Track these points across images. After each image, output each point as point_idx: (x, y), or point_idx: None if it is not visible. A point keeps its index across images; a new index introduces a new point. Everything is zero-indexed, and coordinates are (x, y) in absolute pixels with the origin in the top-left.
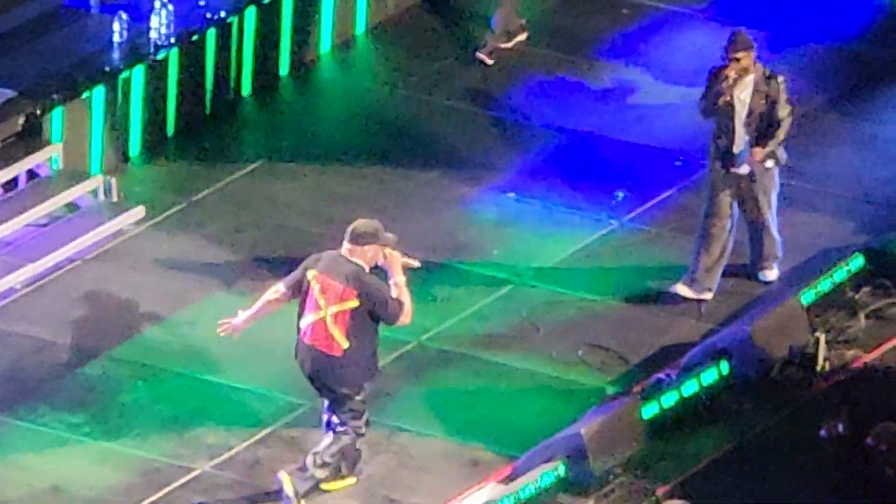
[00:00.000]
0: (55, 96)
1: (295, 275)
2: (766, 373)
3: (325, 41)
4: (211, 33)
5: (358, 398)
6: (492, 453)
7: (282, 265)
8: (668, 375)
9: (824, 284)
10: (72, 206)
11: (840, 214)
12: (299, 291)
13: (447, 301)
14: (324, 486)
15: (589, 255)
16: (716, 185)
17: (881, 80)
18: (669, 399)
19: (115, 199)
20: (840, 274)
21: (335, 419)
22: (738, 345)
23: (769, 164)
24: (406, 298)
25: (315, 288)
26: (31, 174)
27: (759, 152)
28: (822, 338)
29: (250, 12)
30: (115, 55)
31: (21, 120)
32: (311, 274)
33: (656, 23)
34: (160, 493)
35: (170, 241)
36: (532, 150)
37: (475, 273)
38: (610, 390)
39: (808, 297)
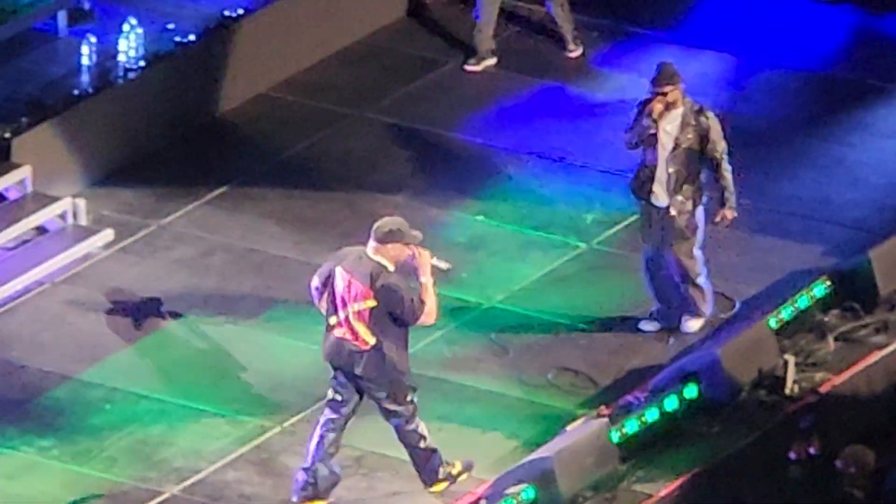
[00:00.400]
0: (24, 119)
1: (324, 269)
2: (735, 396)
3: (293, 64)
4: (179, 56)
5: (399, 384)
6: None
7: (250, 288)
8: (637, 398)
9: (793, 307)
10: (40, 230)
11: (808, 237)
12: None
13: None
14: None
15: (558, 277)
16: (641, 215)
17: (848, 104)
18: (639, 422)
19: (83, 222)
20: (809, 297)
21: (393, 417)
22: (707, 368)
23: (688, 205)
24: (429, 299)
25: (339, 285)
26: (0, 197)
27: (724, 213)
28: (791, 361)
29: (218, 35)
30: (84, 78)
31: None
32: (337, 270)
33: (625, 46)
34: None
35: (138, 264)
36: (501, 173)
37: (444, 296)
38: (579, 413)
39: (776, 320)
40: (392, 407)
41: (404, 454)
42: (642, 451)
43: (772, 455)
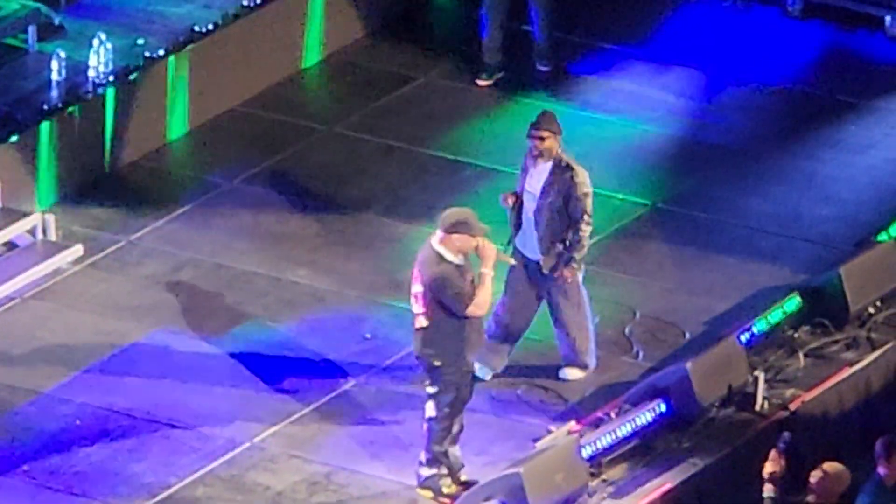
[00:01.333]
0: None
1: None
2: (705, 412)
3: (263, 79)
4: (148, 71)
5: (445, 371)
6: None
7: (220, 304)
8: (607, 414)
9: (763, 324)
10: (9, 245)
11: (779, 253)
12: None
13: (385, 340)
14: (445, 489)
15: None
16: (512, 264)
17: (819, 120)
18: (608, 438)
19: (53, 237)
20: (779, 313)
21: (427, 408)
22: (677, 384)
23: (566, 273)
24: (483, 291)
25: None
26: None
27: (563, 270)
28: (761, 377)
29: (187, 51)
30: (53, 93)
31: None
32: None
33: (594, 62)
34: None
35: (108, 280)
36: (472, 189)
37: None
38: (549, 429)
39: (746, 336)
40: (427, 389)
41: (374, 470)
42: (612, 467)
43: (742, 472)
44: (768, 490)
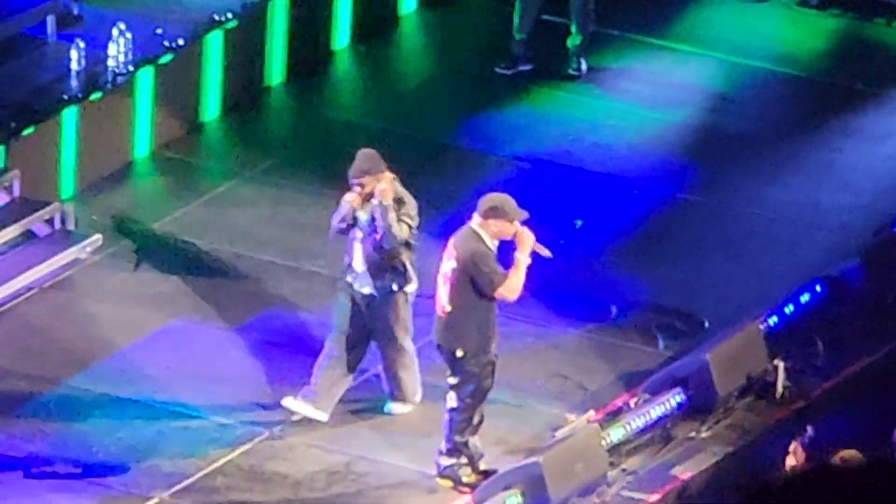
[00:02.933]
0: (12, 124)
1: None
2: (723, 401)
3: (282, 69)
4: (169, 59)
5: (466, 362)
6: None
7: (239, 293)
8: (626, 404)
9: (782, 312)
10: (28, 235)
11: (798, 242)
12: None
13: None
14: (465, 478)
15: (547, 282)
16: (342, 299)
17: (837, 108)
18: (628, 427)
19: (71, 227)
20: (798, 302)
21: (448, 398)
22: (696, 373)
23: (394, 287)
24: (516, 275)
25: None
26: None
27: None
28: (781, 366)
29: (213, 37)
30: (73, 83)
31: None
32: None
33: (614, 50)
34: None
35: (127, 269)
36: (490, 178)
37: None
38: (569, 418)
39: (766, 325)
40: (449, 379)
41: (394, 459)
42: (631, 456)
43: (761, 461)
44: None
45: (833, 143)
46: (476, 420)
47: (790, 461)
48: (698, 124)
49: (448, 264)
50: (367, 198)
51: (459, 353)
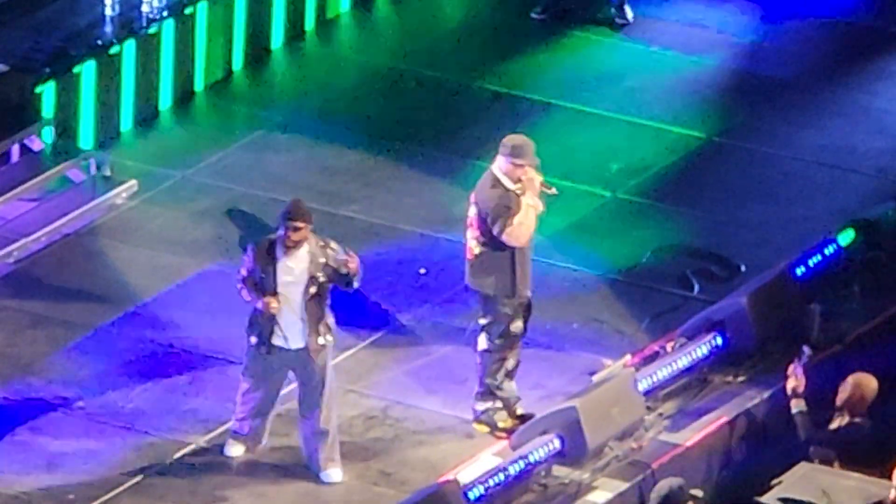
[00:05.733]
0: (47, 70)
1: None
2: (760, 345)
3: (316, 13)
4: (202, 6)
5: (497, 303)
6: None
7: None
8: (662, 348)
9: (819, 256)
10: (64, 181)
11: (834, 186)
12: None
13: (441, 273)
14: (501, 423)
15: (583, 227)
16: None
17: (873, 52)
18: (664, 371)
19: (107, 173)
20: (834, 245)
21: (479, 340)
22: (733, 317)
23: (329, 338)
24: (523, 218)
25: None
26: (24, 149)
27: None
28: (817, 309)
29: None
30: (107, 29)
31: (13, 94)
32: None
33: None
34: (155, 468)
35: (163, 215)
36: (526, 123)
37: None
38: (605, 363)
39: (802, 269)
40: (479, 321)
41: (431, 404)
42: (668, 400)
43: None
44: (796, 405)
45: (869, 86)
46: (511, 364)
47: (790, 384)
48: (733, 69)
49: (471, 209)
50: (296, 244)
51: (488, 294)
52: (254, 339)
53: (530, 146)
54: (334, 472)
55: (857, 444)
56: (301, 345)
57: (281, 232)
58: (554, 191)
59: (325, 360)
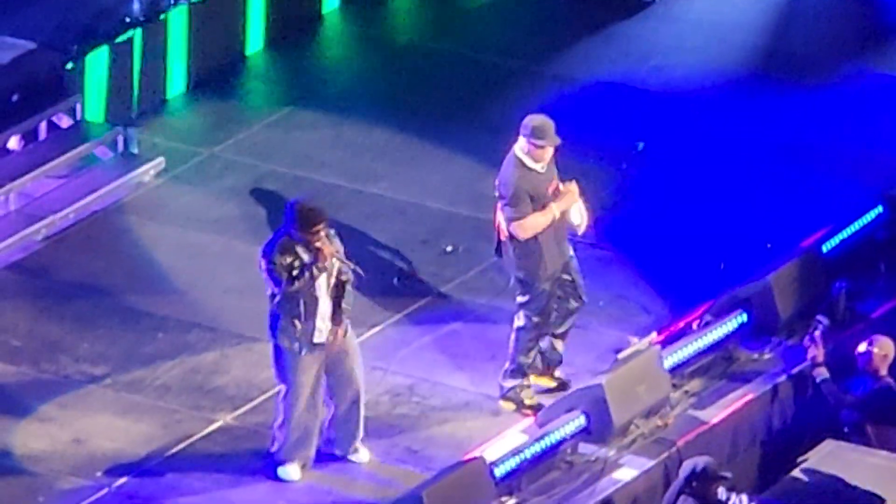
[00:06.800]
0: (75, 47)
1: None
2: (786, 323)
3: None
4: None
5: (534, 281)
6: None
7: None
8: (688, 325)
9: (845, 233)
10: (92, 158)
11: (862, 163)
12: None
13: (468, 251)
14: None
15: (608, 204)
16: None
17: None
18: (691, 349)
19: (135, 150)
20: (861, 222)
21: (516, 318)
22: (759, 295)
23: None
24: (537, 216)
25: None
26: (52, 126)
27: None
28: (843, 287)
29: None
30: (136, 6)
31: (41, 71)
32: None
33: None
34: (182, 445)
35: (190, 192)
36: (552, 99)
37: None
38: (631, 340)
39: (829, 246)
40: (518, 298)
41: (457, 381)
42: (694, 378)
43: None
44: (819, 374)
45: None
46: (562, 329)
47: (811, 353)
48: (763, 44)
49: (498, 189)
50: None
51: (521, 275)
52: (295, 346)
53: (550, 126)
54: (363, 453)
55: (887, 405)
56: (331, 334)
57: (299, 237)
58: (582, 225)
59: (353, 339)
